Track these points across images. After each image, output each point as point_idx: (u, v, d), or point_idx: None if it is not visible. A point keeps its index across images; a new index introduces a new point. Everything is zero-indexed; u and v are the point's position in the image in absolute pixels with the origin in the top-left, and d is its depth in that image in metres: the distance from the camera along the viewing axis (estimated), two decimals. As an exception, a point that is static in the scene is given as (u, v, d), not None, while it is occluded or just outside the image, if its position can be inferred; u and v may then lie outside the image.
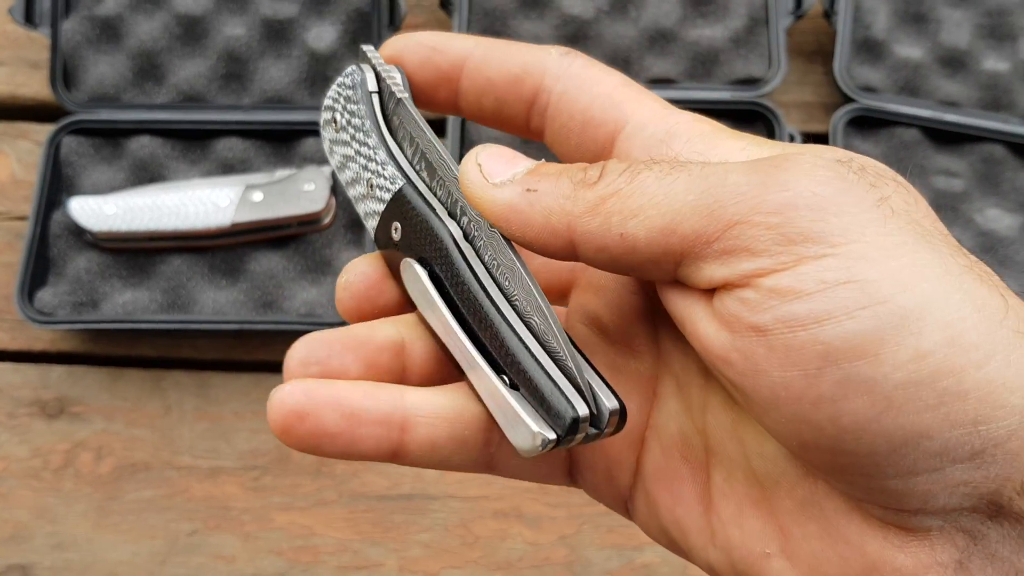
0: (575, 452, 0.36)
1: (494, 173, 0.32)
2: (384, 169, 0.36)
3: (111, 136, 0.91)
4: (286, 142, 0.91)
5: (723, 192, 0.28)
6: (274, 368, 0.87)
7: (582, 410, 0.30)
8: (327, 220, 0.86)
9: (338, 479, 0.83)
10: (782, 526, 0.31)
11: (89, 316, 0.83)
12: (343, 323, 0.83)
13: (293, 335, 0.85)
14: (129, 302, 0.84)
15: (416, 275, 0.34)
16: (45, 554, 0.81)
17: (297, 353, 0.34)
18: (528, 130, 0.36)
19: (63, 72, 0.91)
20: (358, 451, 0.32)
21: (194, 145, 0.91)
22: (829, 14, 0.93)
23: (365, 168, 0.37)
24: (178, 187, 0.86)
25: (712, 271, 0.28)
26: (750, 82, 0.91)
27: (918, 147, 0.90)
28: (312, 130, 0.90)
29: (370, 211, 0.37)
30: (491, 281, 0.33)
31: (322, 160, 0.89)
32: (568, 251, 0.31)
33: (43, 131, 0.93)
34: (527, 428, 0.30)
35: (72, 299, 0.84)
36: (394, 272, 0.37)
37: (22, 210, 0.91)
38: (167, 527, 0.82)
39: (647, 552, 0.81)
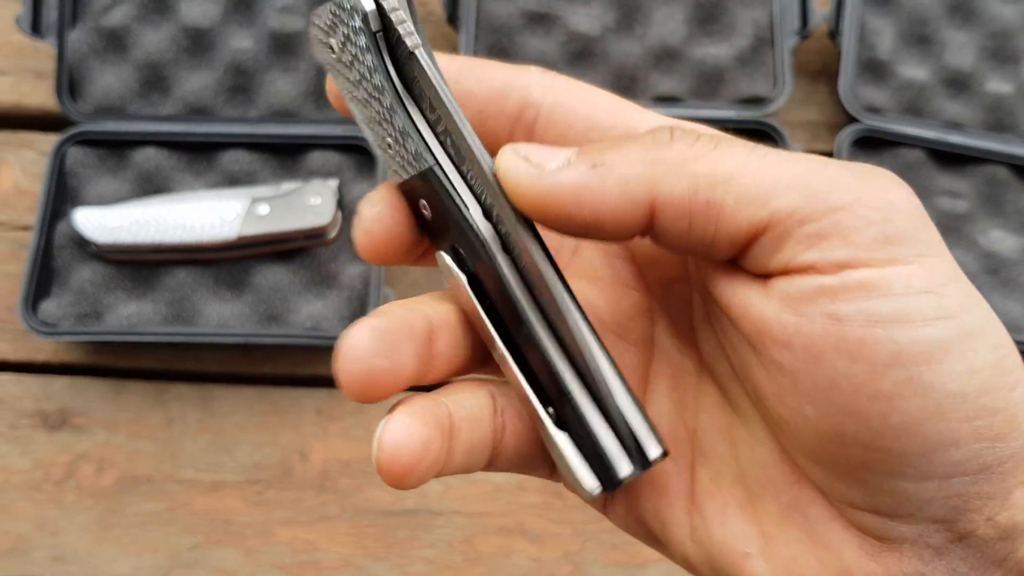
0: None
1: (545, 161, 0.30)
2: (405, 140, 0.32)
3: (116, 147, 0.90)
4: (292, 155, 0.90)
5: (824, 178, 0.28)
6: (278, 381, 0.87)
7: (628, 470, 0.31)
8: (333, 234, 0.86)
9: (341, 494, 0.83)
10: (764, 529, 0.32)
11: (93, 328, 0.83)
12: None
13: (297, 349, 0.86)
14: (133, 314, 0.84)
15: (457, 280, 0.32)
16: (46, 567, 0.80)
17: (363, 343, 0.30)
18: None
19: (69, 82, 0.90)
20: (440, 470, 0.31)
21: (200, 157, 0.91)
22: (834, 34, 0.93)
23: (379, 123, 0.33)
24: (184, 199, 0.86)
25: (796, 252, 0.28)
26: (755, 101, 0.92)
27: (922, 168, 0.91)
28: (319, 143, 0.90)
29: (388, 164, 0.34)
30: (531, 299, 0.31)
31: (328, 174, 0.89)
32: (643, 223, 0.29)
33: (48, 141, 0.93)
34: (581, 482, 0.31)
35: (76, 310, 0.84)
36: (412, 207, 0.33)
37: (26, 220, 0.90)
38: (169, 541, 0.81)
39: (651, 570, 0.80)
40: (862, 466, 0.29)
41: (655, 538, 0.35)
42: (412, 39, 0.31)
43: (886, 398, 0.27)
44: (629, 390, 0.31)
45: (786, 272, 0.28)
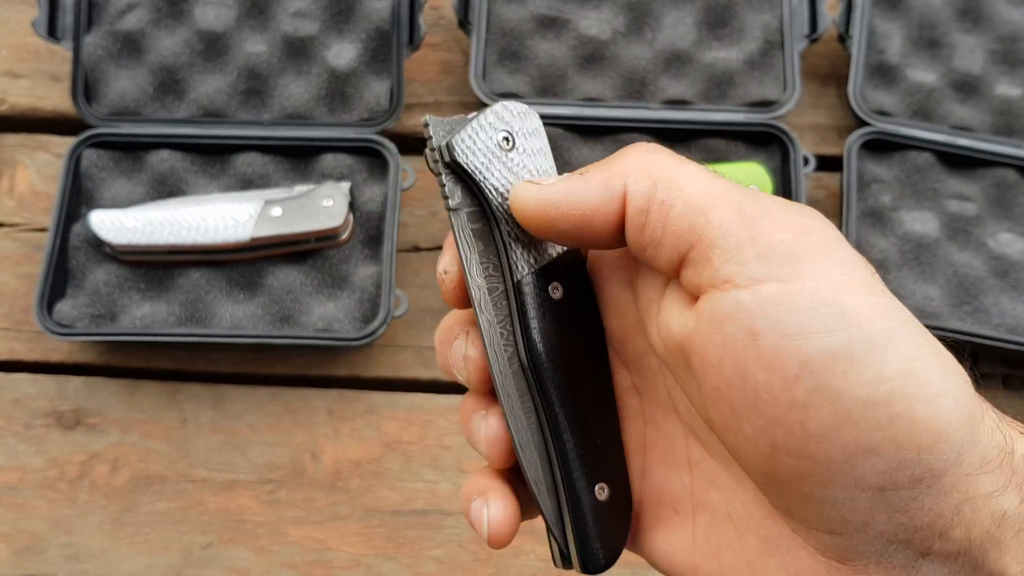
0: None
1: (546, 180, 0.37)
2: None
3: (131, 150, 0.91)
4: (305, 158, 0.91)
5: (753, 203, 0.33)
6: (290, 382, 0.87)
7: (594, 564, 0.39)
8: (345, 236, 0.87)
9: (352, 494, 0.83)
10: (750, 561, 0.36)
11: (107, 328, 0.84)
12: (358, 338, 0.84)
13: (309, 350, 0.87)
14: (147, 315, 0.85)
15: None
16: (60, 565, 0.81)
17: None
18: None
19: (84, 85, 0.91)
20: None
21: (214, 160, 0.92)
22: (844, 38, 0.94)
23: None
24: (198, 201, 0.87)
25: (720, 263, 0.32)
26: (764, 104, 0.92)
27: (931, 171, 0.91)
28: (332, 146, 0.90)
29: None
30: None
31: (341, 176, 0.89)
32: (618, 216, 0.35)
33: (63, 144, 0.94)
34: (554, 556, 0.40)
35: (91, 311, 0.85)
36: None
37: (41, 222, 0.91)
38: (182, 540, 0.82)
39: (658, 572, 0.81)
40: (798, 478, 0.31)
41: (666, 571, 0.40)
42: (446, 203, 0.38)
43: (801, 406, 0.30)
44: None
45: (712, 286, 0.32)
